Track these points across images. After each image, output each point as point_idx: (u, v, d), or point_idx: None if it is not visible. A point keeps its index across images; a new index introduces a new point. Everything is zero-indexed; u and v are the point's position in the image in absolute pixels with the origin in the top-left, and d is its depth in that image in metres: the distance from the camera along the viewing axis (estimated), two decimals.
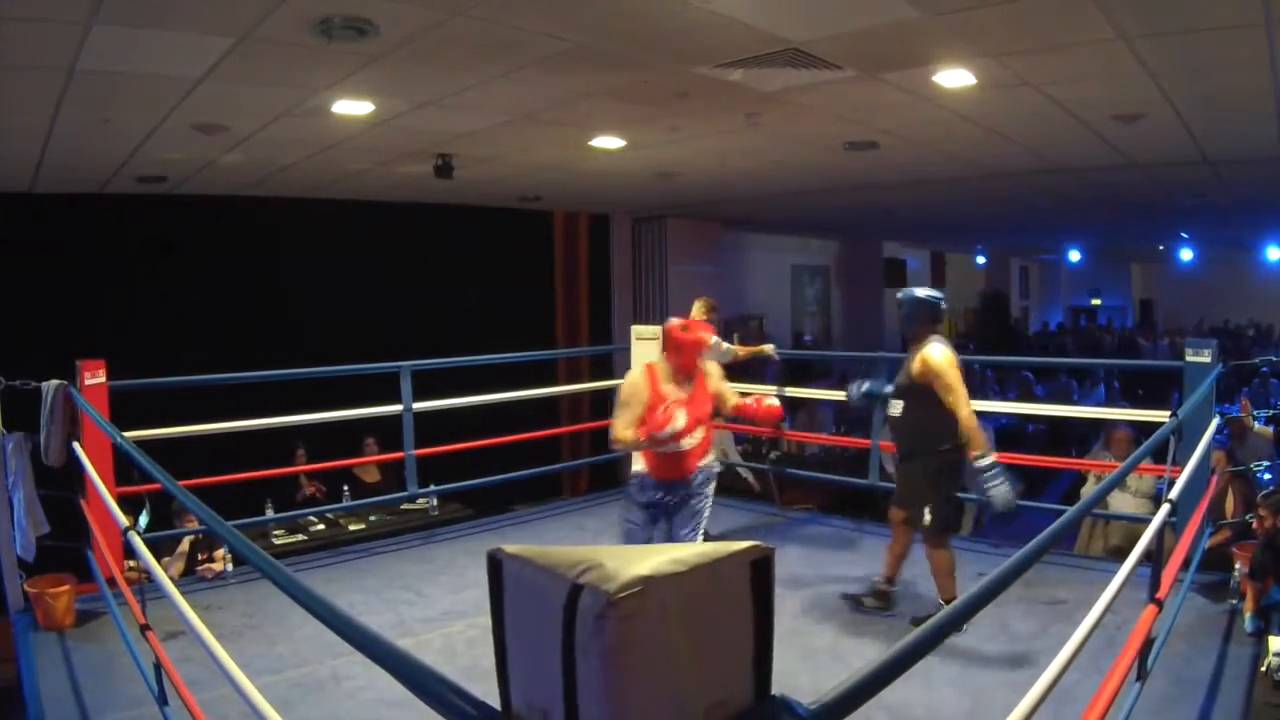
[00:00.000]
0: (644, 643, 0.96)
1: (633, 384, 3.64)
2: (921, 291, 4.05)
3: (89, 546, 4.15)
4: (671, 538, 3.78)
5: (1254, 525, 3.70)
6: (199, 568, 4.87)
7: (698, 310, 5.15)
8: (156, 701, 2.62)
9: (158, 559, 2.94)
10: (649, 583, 0.97)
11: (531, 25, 3.50)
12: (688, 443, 3.62)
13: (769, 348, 5.61)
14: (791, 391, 6.38)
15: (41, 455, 4.07)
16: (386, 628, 3.99)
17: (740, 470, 7.35)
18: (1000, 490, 3.63)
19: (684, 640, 1.00)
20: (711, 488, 3.88)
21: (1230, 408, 5.99)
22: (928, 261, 16.55)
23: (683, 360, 3.65)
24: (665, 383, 3.64)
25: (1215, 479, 4.78)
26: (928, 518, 3.86)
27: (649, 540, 3.76)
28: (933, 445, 3.86)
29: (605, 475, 7.83)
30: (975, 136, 5.60)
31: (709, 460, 3.85)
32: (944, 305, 4.07)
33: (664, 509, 3.77)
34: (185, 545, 4.99)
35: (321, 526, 5.99)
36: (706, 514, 3.85)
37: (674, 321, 3.75)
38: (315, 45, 3.55)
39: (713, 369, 4.09)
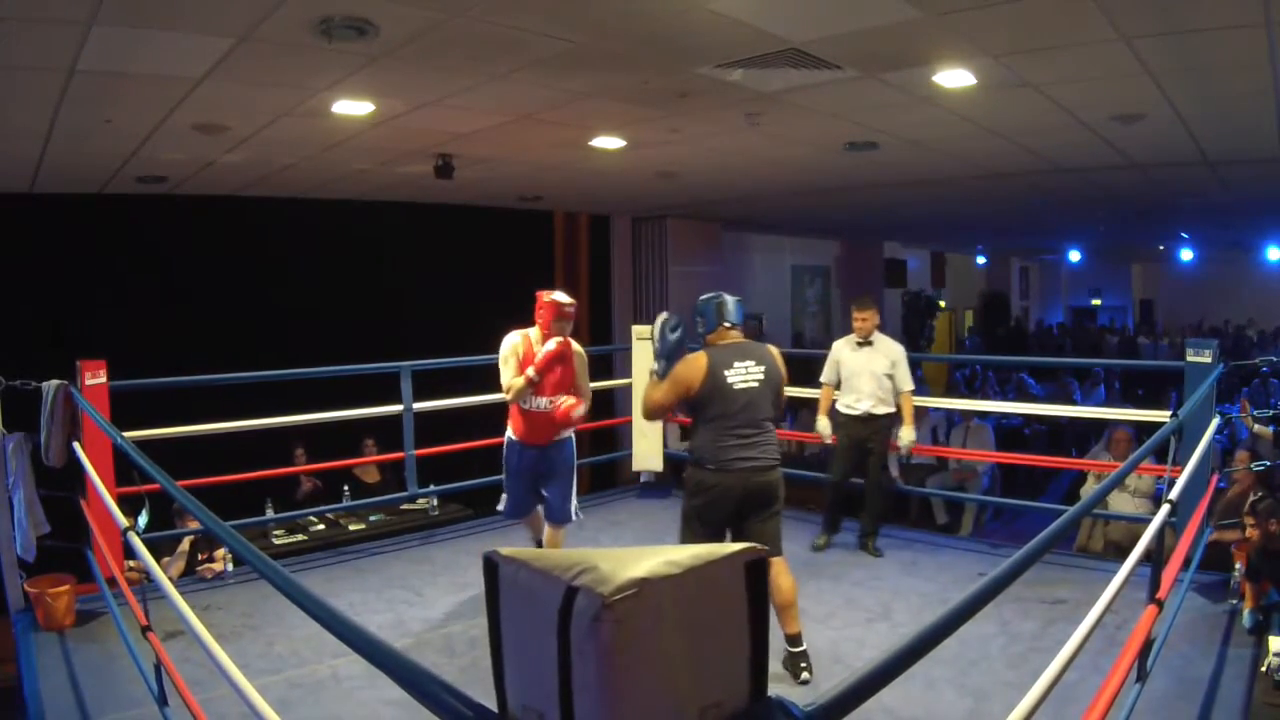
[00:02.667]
0: (639, 645, 0.96)
1: (511, 345, 4.12)
2: (707, 295, 3.73)
3: (89, 546, 4.16)
4: (547, 502, 4.26)
5: (1246, 532, 3.68)
6: (199, 568, 4.87)
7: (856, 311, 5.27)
8: (156, 702, 2.62)
9: (158, 559, 2.94)
10: (644, 585, 0.97)
11: (531, 25, 3.50)
12: (545, 404, 4.08)
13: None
14: (792, 391, 6.37)
15: (42, 455, 4.07)
16: (386, 628, 4.00)
17: None
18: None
19: (679, 642, 1.00)
20: (573, 455, 4.28)
21: (1230, 408, 5.98)
22: (928, 261, 16.54)
23: (545, 323, 4.09)
24: (537, 344, 4.11)
25: (1237, 479, 4.78)
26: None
27: (527, 500, 4.32)
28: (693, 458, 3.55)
29: (605, 475, 7.83)
30: (975, 136, 5.59)
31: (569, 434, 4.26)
32: (727, 308, 3.69)
33: (536, 472, 4.22)
34: (185, 545, 5.00)
35: (321, 526, 5.99)
36: (574, 479, 4.29)
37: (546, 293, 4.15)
38: (315, 45, 3.55)
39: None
